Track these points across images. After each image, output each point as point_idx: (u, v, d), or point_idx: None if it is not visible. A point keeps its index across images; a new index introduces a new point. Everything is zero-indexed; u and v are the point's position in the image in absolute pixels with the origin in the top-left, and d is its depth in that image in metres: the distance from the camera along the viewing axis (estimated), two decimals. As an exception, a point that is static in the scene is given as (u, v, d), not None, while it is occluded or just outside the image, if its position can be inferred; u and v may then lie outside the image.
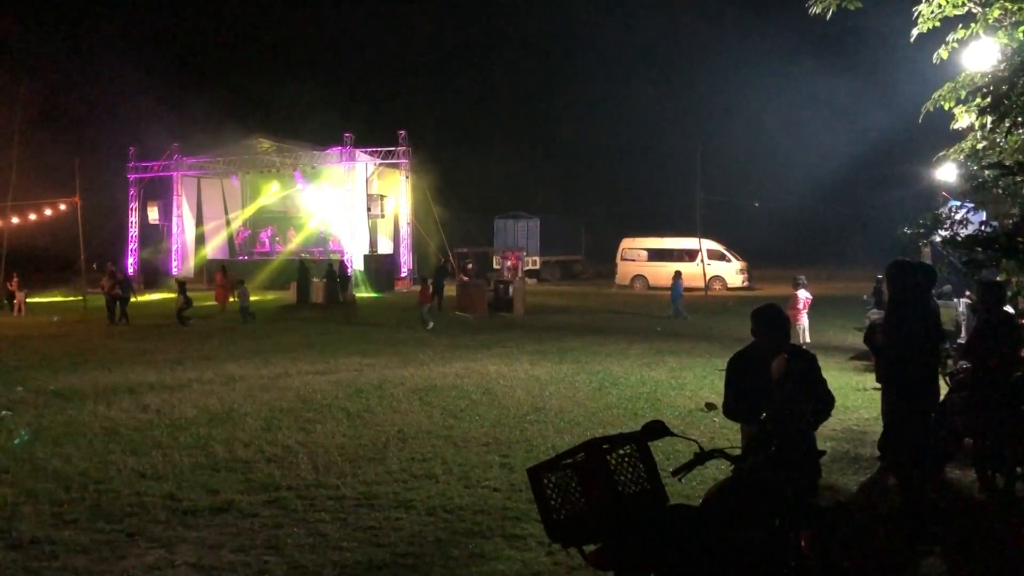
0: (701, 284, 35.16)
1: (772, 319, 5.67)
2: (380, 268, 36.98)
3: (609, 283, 39.80)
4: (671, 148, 61.02)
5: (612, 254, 40.53)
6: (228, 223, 43.19)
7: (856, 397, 11.70)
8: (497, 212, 46.80)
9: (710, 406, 10.79)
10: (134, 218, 42.40)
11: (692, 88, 61.23)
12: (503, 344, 18.03)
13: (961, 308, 12.93)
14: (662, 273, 37.55)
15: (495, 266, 40.56)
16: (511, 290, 26.02)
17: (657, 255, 38.21)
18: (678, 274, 25.81)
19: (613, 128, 69.48)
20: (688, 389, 12.34)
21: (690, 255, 37.25)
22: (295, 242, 40.69)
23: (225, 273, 28.09)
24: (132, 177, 42.08)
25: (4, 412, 10.85)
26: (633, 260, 38.49)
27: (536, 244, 44.31)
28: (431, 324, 21.50)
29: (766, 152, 60.07)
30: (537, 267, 43.82)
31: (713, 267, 36.21)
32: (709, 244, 36.78)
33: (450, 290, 29.21)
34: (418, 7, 79.67)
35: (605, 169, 68.82)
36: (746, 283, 36.86)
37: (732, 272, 36.78)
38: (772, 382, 5.41)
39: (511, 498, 7.18)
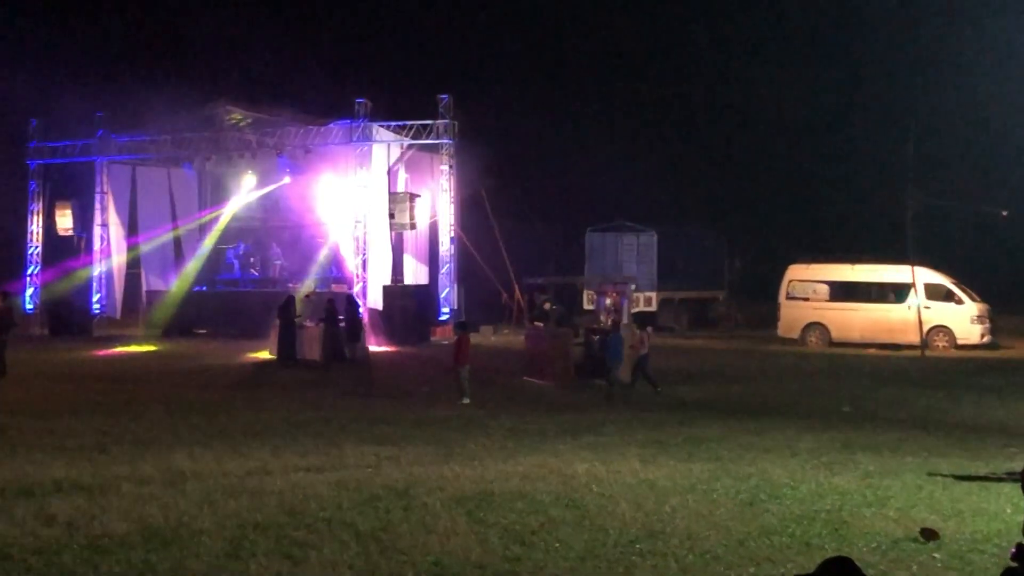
0: (914, 339, 34.62)
1: None
2: (408, 307, 37.29)
3: (768, 334, 39.39)
4: (864, 127, 60.45)
5: (772, 290, 40.21)
6: (177, 235, 44.03)
7: None
8: (591, 221, 46.91)
9: (928, 534, 10.60)
10: (35, 226, 43.43)
11: (898, 40, 60.60)
12: (598, 430, 17.98)
13: None
14: (853, 320, 37.16)
15: (586, 306, 40.59)
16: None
17: (844, 291, 37.79)
18: (616, 324, 25.45)
19: (769, 96, 68.93)
20: (892, 506, 12.14)
21: (897, 292, 36.72)
22: (280, 266, 41.30)
23: (6, 299, 27.66)
24: (33, 164, 43.14)
25: None
26: (806, 299, 38.13)
27: (652, 272, 44.21)
28: (467, 398, 21.59)
29: (1016, 138, 58.83)
30: (653, 308, 43.69)
31: (934, 311, 35.68)
32: (928, 275, 36.27)
33: (510, 340, 29.25)
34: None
35: (758, 159, 68.37)
36: (986, 338, 36.16)
37: (964, 320, 36.13)
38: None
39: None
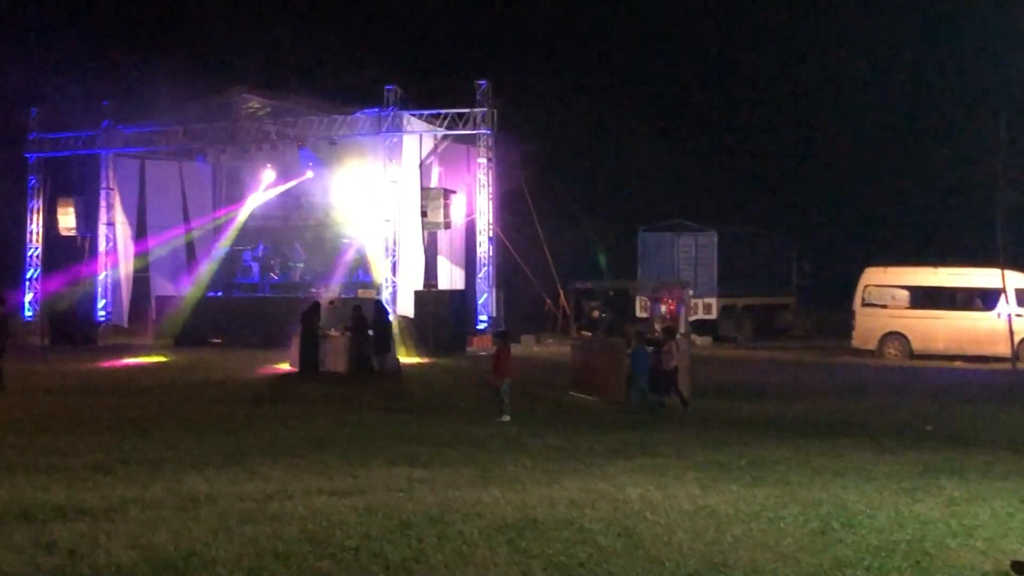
0: (1005, 350, 34.33)
1: None
2: (443, 314, 37.36)
3: (842, 345, 39.20)
4: (950, 115, 59.93)
5: (845, 296, 40.00)
6: (189, 236, 44.27)
7: None
8: (644, 220, 46.83)
9: (1020, 567, 10.51)
10: (35, 226, 43.75)
11: (987, 17, 59.98)
12: (652, 450, 17.96)
13: None
14: (936, 329, 36.87)
15: (639, 313, 40.51)
16: (668, 356, 25.89)
17: (927, 298, 37.52)
18: (640, 335, 25.16)
19: (842, 84, 68.54)
20: (980, 537, 12.04)
21: (985, 298, 36.43)
22: (302, 269, 41.41)
23: (3, 305, 27.61)
24: (32, 157, 43.46)
25: None
26: (884, 306, 37.91)
27: (712, 276, 44.13)
28: (507, 415, 21.61)
29: None
30: (713, 315, 43.63)
31: (1027, 319, 35.45)
32: (1020, 280, 35.98)
33: (554, 351, 29.18)
34: None
35: (829, 151, 67.93)
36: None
37: (1060, 329, 35.82)
38: None
39: None
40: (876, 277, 38.61)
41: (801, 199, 62.43)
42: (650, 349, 26.30)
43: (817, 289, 49.90)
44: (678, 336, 25.29)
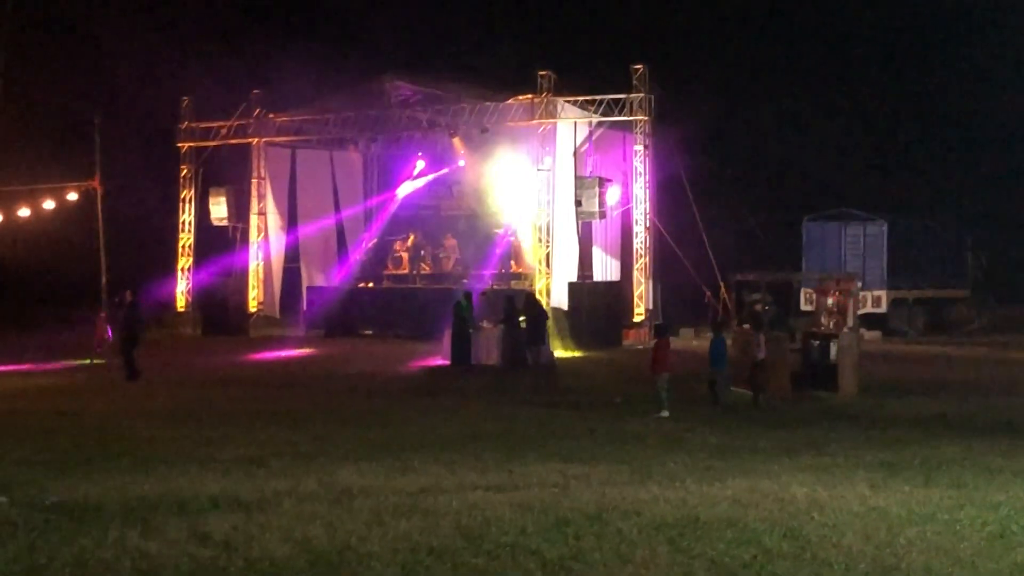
0: None
1: None
2: (598, 306, 37.36)
3: (1019, 340, 38.46)
4: None
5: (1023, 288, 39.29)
6: (340, 225, 44.84)
7: None
8: (808, 209, 46.35)
9: None
10: (187, 216, 44.65)
11: None
12: (819, 448, 17.77)
13: None
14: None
15: (804, 306, 40.10)
16: (834, 351, 25.59)
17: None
18: (718, 326, 25.21)
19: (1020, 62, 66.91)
20: None
21: None
22: (455, 259, 41.65)
23: (133, 296, 27.96)
24: (185, 147, 44.33)
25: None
26: (1065, 299, 37.20)
27: (881, 268, 43.52)
28: (666, 411, 21.57)
29: None
30: (883, 309, 43.00)
31: None
32: None
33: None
34: None
35: (1007, 135, 66.30)
36: None
37: None
38: None
39: None
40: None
41: (976, 187, 61.06)
42: (816, 343, 26.21)
43: (994, 281, 48.90)
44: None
